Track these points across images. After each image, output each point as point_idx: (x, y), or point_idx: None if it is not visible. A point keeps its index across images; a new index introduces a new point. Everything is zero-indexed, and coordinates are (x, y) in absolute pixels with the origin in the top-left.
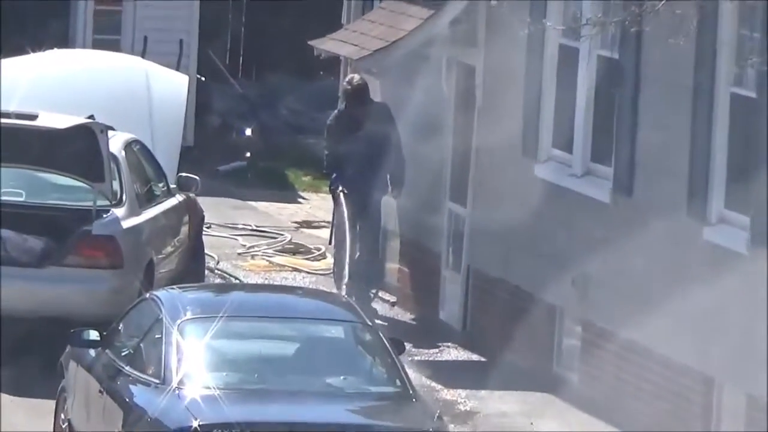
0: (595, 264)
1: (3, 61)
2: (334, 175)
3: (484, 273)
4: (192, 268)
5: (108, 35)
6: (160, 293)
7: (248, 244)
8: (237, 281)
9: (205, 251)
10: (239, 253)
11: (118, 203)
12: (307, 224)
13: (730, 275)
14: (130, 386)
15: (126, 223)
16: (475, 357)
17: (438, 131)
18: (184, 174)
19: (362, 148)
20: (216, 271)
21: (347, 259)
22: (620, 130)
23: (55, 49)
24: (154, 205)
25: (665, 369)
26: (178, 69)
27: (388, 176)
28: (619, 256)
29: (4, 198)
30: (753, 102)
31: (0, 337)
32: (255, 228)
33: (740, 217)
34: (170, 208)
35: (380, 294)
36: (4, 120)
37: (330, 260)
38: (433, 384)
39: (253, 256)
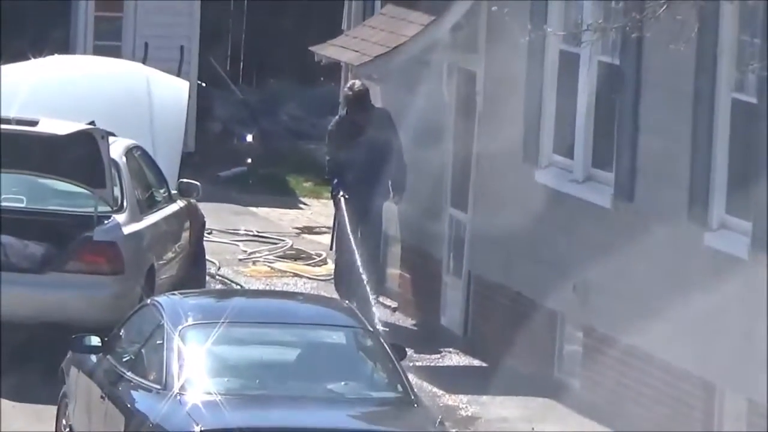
0: (596, 270)
1: (4, 66)
2: (336, 180)
3: (485, 278)
4: (193, 274)
5: (109, 41)
6: (162, 299)
7: (249, 250)
8: (238, 287)
9: (206, 257)
10: (240, 259)
11: (119, 209)
12: (308, 230)
13: (731, 281)
14: (132, 392)
15: (127, 229)
16: (476, 362)
17: (439, 137)
18: (185, 180)
19: (363, 153)
20: (217, 276)
21: (348, 265)
22: (621, 136)
23: (56, 55)
24: (155, 211)
25: (666, 374)
26: (179, 75)
27: (390, 182)
28: (621, 262)
29: (5, 204)
30: (754, 107)
31: (1, 342)
32: (256, 234)
33: (741, 222)
34: (171, 213)
35: (381, 300)
36: (4, 126)
37: (331, 266)
38: (435, 389)
39: (254, 262)
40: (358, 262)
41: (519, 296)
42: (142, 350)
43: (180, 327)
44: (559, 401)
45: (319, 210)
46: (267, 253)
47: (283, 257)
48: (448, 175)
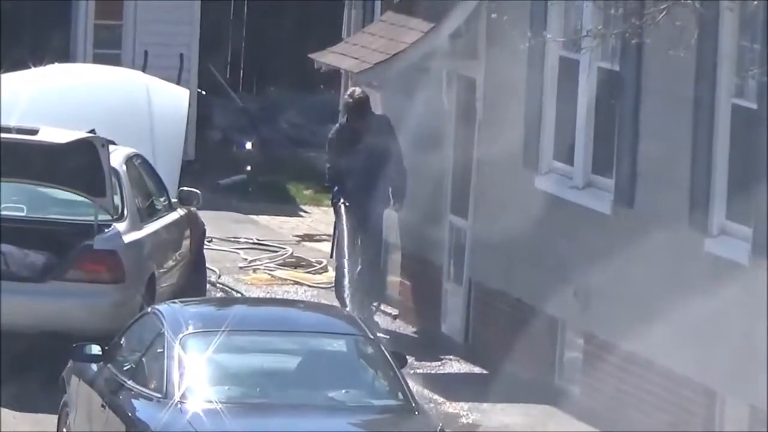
0: (596, 276)
1: (3, 75)
2: (336, 188)
3: (485, 285)
4: (193, 282)
5: (108, 49)
6: (162, 307)
7: (250, 258)
8: (239, 295)
9: (207, 265)
10: (241, 267)
11: (120, 218)
12: (309, 238)
13: (731, 286)
14: (133, 400)
15: (127, 238)
16: (477, 370)
17: (439, 144)
18: (185, 188)
19: (363, 161)
20: (217, 285)
21: (349, 273)
22: (621, 142)
23: (56, 63)
24: (156, 220)
25: (667, 381)
26: (178, 83)
27: (390, 189)
28: (621, 268)
29: (5, 213)
30: (754, 113)
31: (1, 352)
32: (256, 242)
33: (742, 228)
34: (171, 222)
35: (382, 307)
36: (4, 135)
37: (331, 274)
38: (436, 397)
39: (254, 270)
40: (358, 270)
41: (519, 303)
42: (143, 359)
43: (181, 335)
44: (560, 408)
45: (319, 218)
46: (267, 261)
47: (284, 265)
48: (449, 182)
